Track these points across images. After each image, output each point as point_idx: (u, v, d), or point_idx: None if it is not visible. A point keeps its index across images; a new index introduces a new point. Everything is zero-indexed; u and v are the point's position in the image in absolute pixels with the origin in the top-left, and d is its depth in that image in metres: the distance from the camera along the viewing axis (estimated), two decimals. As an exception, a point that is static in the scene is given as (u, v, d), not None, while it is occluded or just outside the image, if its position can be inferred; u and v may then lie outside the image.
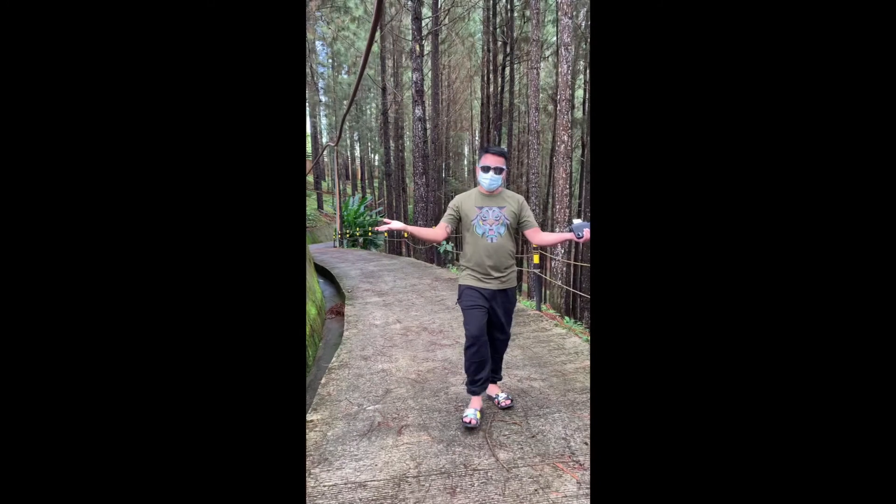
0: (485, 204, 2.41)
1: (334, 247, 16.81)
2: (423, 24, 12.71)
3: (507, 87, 17.91)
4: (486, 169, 2.36)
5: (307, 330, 4.30)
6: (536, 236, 2.48)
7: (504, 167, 2.37)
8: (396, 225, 2.41)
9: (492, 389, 2.66)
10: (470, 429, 2.33)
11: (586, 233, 2.23)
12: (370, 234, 16.94)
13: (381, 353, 3.63)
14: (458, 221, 2.46)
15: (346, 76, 27.35)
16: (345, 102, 25.18)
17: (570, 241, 2.36)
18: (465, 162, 35.05)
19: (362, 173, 33.34)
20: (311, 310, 4.89)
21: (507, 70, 17.62)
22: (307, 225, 24.81)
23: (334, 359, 3.56)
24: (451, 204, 2.47)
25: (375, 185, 31.35)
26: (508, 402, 2.56)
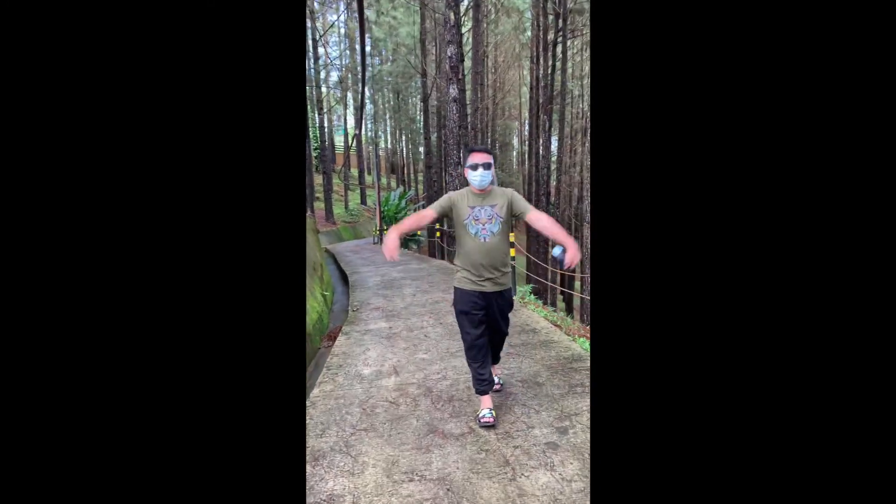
0: (476, 203, 2.34)
1: (373, 243, 15.69)
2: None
3: (558, 67, 16.04)
4: (474, 167, 2.31)
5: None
6: (540, 221, 2.29)
7: (491, 162, 2.33)
8: (392, 240, 2.25)
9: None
10: (489, 427, 2.29)
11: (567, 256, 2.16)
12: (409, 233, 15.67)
13: (343, 449, 2.22)
14: (446, 215, 2.40)
15: (388, 65, 26.23)
16: (385, 90, 24.05)
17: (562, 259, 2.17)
18: (514, 153, 33.09)
19: (405, 166, 32.20)
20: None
21: (559, 48, 15.73)
22: (350, 220, 23.97)
23: (269, 455, 2.20)
24: (446, 196, 2.42)
25: (420, 178, 30.15)
26: (499, 385, 2.71)
